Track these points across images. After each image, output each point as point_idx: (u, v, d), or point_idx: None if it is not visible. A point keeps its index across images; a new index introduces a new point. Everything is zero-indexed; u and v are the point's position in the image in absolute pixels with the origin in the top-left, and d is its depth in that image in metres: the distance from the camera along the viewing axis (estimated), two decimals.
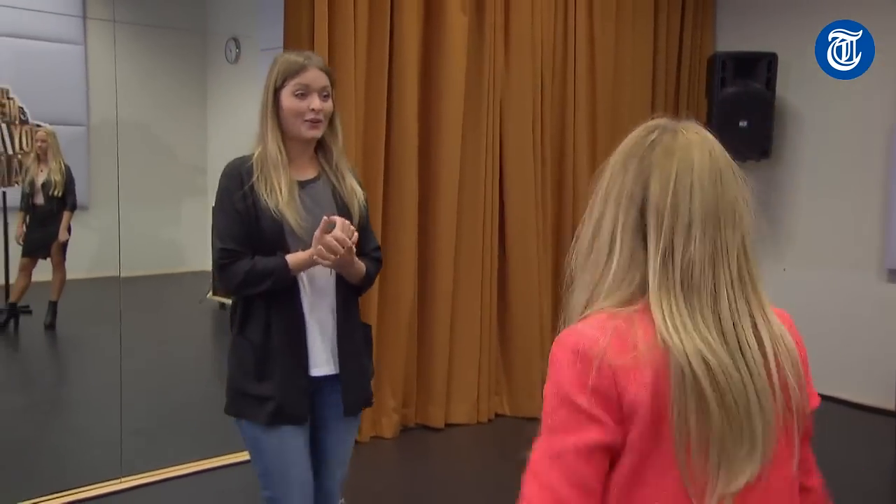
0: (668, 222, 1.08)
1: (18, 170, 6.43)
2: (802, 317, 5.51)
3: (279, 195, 2.02)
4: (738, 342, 1.08)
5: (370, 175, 3.96)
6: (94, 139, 8.41)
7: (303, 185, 2.10)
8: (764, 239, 5.18)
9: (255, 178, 2.04)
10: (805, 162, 5.04)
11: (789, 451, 1.12)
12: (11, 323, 6.13)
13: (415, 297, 4.23)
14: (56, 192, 6.00)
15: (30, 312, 6.43)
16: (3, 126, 6.55)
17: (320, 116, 2.06)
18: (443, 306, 4.29)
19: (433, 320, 4.30)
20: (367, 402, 2.26)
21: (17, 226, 6.33)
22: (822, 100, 4.90)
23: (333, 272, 2.11)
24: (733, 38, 5.28)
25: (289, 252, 2.06)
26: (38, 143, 6.18)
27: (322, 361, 2.13)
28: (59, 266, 6.17)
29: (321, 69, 2.09)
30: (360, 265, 2.12)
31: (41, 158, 6.15)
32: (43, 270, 6.15)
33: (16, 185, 6.35)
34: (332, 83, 2.11)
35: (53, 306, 6.18)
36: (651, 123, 1.16)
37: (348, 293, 2.16)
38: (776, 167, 5.11)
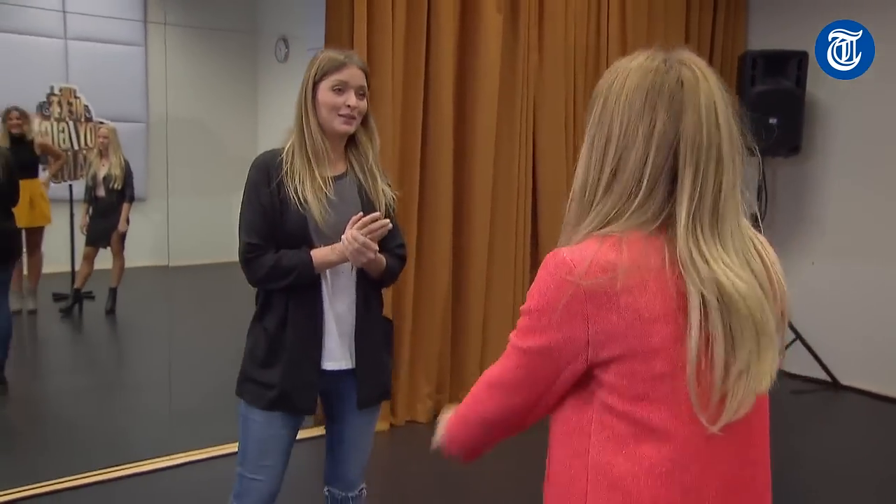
0: (705, 156, 1.11)
1: (83, 164, 6.81)
2: (830, 309, 5.63)
3: (306, 188, 2.05)
4: (753, 264, 1.15)
5: (406, 172, 4.12)
6: (152, 135, 8.83)
7: (332, 180, 2.12)
8: (793, 233, 5.26)
9: (283, 172, 2.06)
10: (834, 158, 5.10)
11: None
12: (76, 308, 6.54)
13: (449, 290, 4.37)
14: (116, 186, 6.33)
15: (93, 298, 6.82)
16: (71, 124, 6.91)
17: (355, 113, 2.10)
18: (476, 298, 4.45)
19: (467, 311, 4.45)
20: (384, 396, 2.26)
21: (81, 216, 6.72)
22: (852, 97, 4.94)
23: (355, 267, 2.13)
24: (765, 37, 5.35)
25: (312, 247, 2.07)
26: (101, 140, 6.50)
27: (338, 355, 2.14)
28: (119, 255, 6.52)
29: (360, 68, 2.13)
30: (381, 259, 2.12)
31: (103, 154, 6.50)
32: (104, 259, 6.53)
33: (81, 178, 6.73)
34: (369, 84, 2.16)
35: (113, 293, 6.56)
36: (657, 55, 1.17)
37: (369, 288, 2.18)
38: (805, 163, 5.18)
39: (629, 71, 1.16)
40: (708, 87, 1.13)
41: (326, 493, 2.32)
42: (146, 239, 6.94)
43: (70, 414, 4.36)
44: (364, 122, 2.16)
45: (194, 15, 8.95)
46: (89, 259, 6.52)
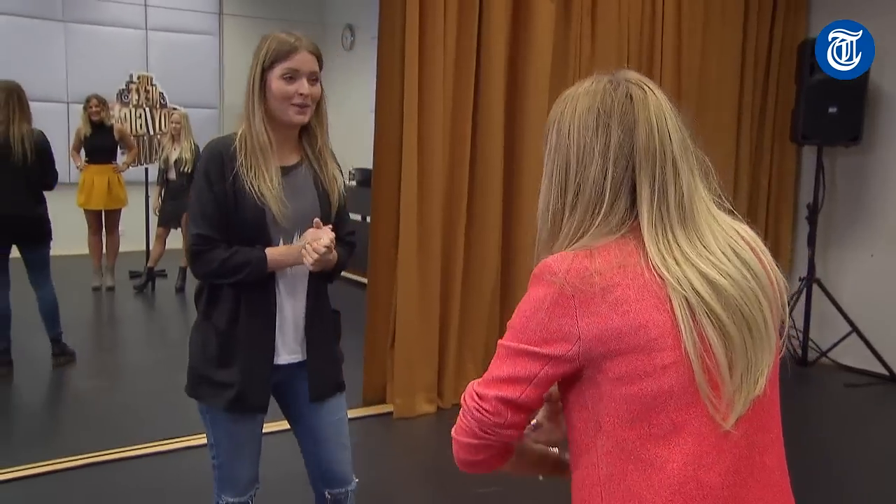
0: (660, 162, 1.17)
1: (158, 148, 7.14)
2: (889, 302, 5.52)
3: (265, 181, 1.96)
4: (744, 254, 1.17)
5: (456, 163, 4.20)
6: (226, 120, 9.18)
7: (285, 171, 2.03)
8: (853, 224, 5.15)
9: (238, 162, 1.96)
10: None
11: (777, 342, 1.20)
12: (149, 285, 6.89)
13: (498, 280, 4.42)
14: (187, 169, 6.60)
15: (165, 276, 7.18)
16: (147, 110, 7.25)
17: (308, 101, 1.99)
18: (524, 290, 4.49)
19: (515, 303, 4.51)
20: (338, 388, 2.19)
21: (154, 198, 7.06)
22: None
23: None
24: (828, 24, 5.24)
25: (268, 240, 2.01)
26: (173, 125, 6.79)
27: (291, 349, 2.10)
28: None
29: (311, 52, 2.01)
30: (334, 256, 2.05)
31: (175, 138, 6.77)
32: (177, 239, 6.85)
33: (155, 162, 7.07)
34: (321, 66, 2.05)
35: (183, 272, 6.87)
36: (601, 78, 1.23)
37: (319, 281, 2.13)
38: (866, 153, 5.06)
39: (578, 96, 1.22)
40: (656, 99, 1.19)
41: (327, 496, 2.23)
42: None
43: (137, 388, 4.61)
44: (317, 108, 2.06)
45: (266, 7, 9.25)
46: (161, 239, 6.83)
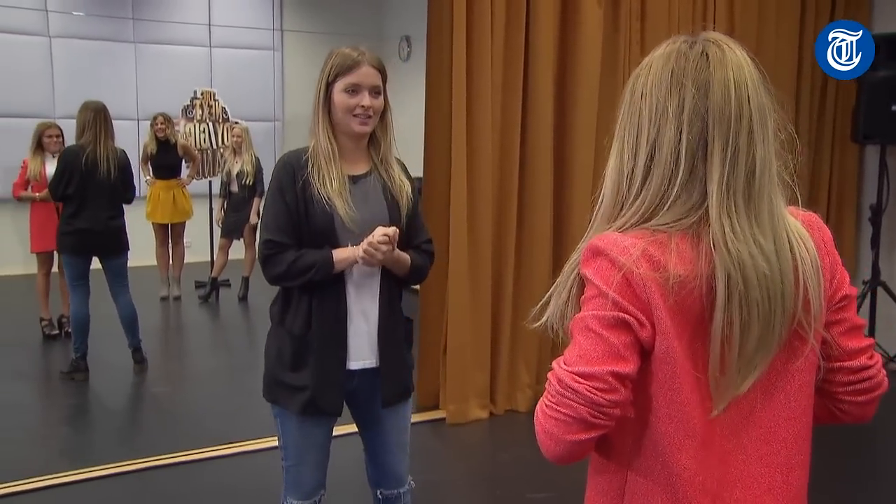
0: (734, 127, 1.08)
1: (221, 162, 7.37)
2: None
3: (330, 187, 2.04)
4: (781, 245, 1.10)
5: (506, 167, 4.21)
6: (288, 133, 9.41)
7: (354, 179, 2.12)
8: None
9: (308, 171, 2.06)
10: None
11: (801, 344, 1.13)
12: (213, 295, 7.09)
13: (549, 285, 4.35)
14: (248, 182, 6.79)
15: (229, 286, 7.38)
16: (210, 124, 7.49)
17: (370, 113, 2.07)
18: None
19: None
20: (406, 394, 2.26)
21: (217, 210, 7.28)
22: None
23: (380, 267, 2.13)
24: (891, 20, 5.08)
25: (337, 244, 2.07)
26: (234, 138, 6.98)
27: (364, 354, 2.15)
28: (251, 246, 7.00)
29: (374, 66, 2.09)
30: (406, 258, 2.14)
31: (236, 151, 6.97)
32: (239, 249, 7.04)
33: (218, 175, 7.30)
34: (384, 79, 2.12)
35: (246, 281, 7.06)
36: (679, 39, 1.16)
37: (392, 286, 2.18)
38: None
39: (652, 60, 1.16)
40: (736, 59, 1.11)
41: (379, 496, 2.32)
42: None
43: (194, 395, 4.79)
44: (381, 117, 2.14)
45: (325, 22, 9.45)
46: (224, 250, 7.02)
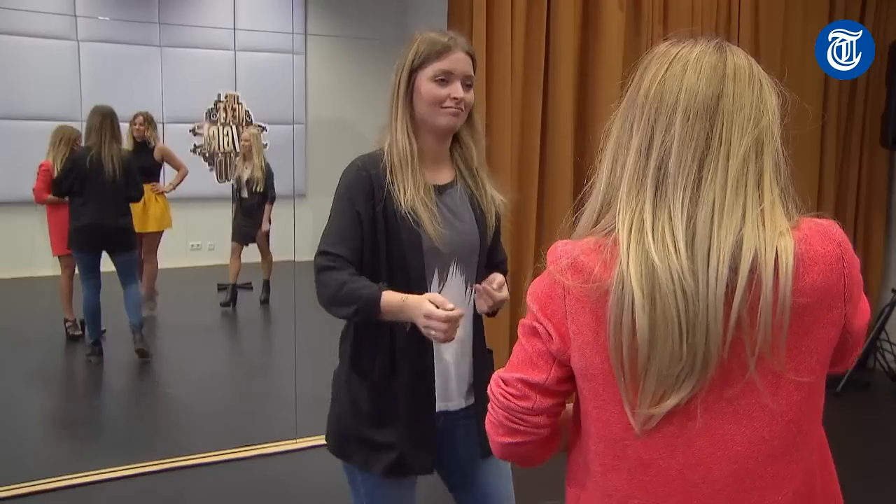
0: (650, 111, 1.01)
1: (233, 167, 7.35)
2: None
3: (415, 199, 1.73)
4: (708, 251, 0.96)
5: (525, 173, 4.16)
6: (311, 136, 9.44)
7: (439, 190, 1.81)
8: None
9: (388, 180, 1.74)
10: None
11: (764, 380, 0.98)
12: (234, 297, 7.10)
13: None
14: (258, 188, 6.70)
15: (251, 289, 7.39)
16: (233, 127, 7.52)
17: (462, 106, 1.76)
18: None
19: None
20: None
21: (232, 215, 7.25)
22: None
23: (470, 292, 1.83)
24: None
25: (422, 269, 1.76)
26: (243, 143, 6.83)
27: (456, 394, 1.86)
28: (266, 251, 6.94)
29: (467, 52, 1.78)
30: (505, 295, 1.81)
31: (246, 157, 6.84)
32: (254, 254, 7.03)
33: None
34: (475, 69, 1.81)
35: (267, 284, 7.06)
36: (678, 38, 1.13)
37: (481, 318, 1.90)
38: None
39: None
40: (692, 52, 1.06)
41: None
42: (306, 233, 7.39)
43: (211, 396, 4.80)
44: (468, 119, 1.83)
45: (350, 26, 9.48)
46: (236, 254, 6.89)
